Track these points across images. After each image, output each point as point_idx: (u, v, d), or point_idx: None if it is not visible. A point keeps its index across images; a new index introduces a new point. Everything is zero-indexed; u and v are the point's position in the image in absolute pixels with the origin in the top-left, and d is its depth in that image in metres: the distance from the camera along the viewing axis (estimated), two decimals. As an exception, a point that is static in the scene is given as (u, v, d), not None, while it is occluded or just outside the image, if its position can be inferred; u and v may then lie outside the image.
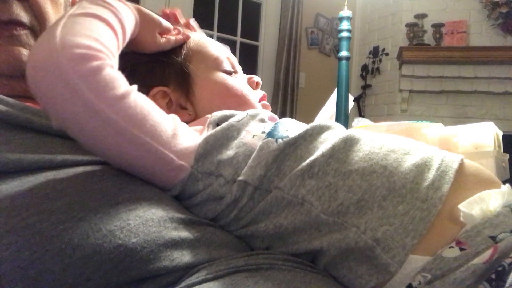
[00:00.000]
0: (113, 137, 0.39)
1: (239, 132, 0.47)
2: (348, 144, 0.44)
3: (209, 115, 0.49)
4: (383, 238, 0.38)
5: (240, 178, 0.43)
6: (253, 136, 0.46)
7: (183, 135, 0.44)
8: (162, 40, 0.56)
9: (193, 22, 0.66)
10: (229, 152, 0.45)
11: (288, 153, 0.44)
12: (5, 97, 0.44)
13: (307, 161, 0.43)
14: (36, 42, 0.40)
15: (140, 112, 0.40)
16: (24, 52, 0.50)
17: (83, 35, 0.39)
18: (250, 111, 0.51)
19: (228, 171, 0.43)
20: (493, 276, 0.34)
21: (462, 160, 0.43)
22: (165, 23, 0.56)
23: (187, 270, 0.38)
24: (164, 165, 0.42)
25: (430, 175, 0.41)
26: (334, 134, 0.46)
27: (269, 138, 0.45)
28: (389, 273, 0.38)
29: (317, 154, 0.43)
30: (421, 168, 0.41)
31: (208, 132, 0.46)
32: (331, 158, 0.43)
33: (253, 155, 0.44)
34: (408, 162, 0.42)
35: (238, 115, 0.49)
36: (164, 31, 0.56)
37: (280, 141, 0.44)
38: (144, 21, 0.52)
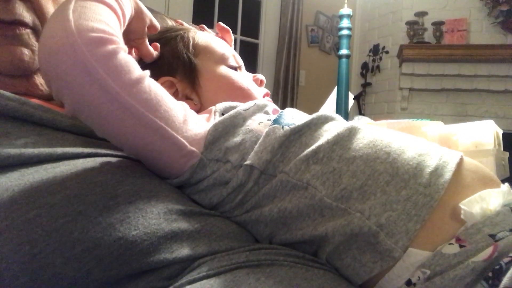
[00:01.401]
0: (130, 121, 0.40)
1: (245, 120, 0.48)
2: (352, 132, 0.45)
3: (213, 107, 0.50)
4: (387, 224, 0.38)
5: (247, 162, 0.43)
6: (259, 123, 0.47)
7: (193, 122, 0.44)
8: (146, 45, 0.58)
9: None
10: (236, 139, 0.45)
11: (293, 139, 0.45)
12: (5, 92, 0.44)
13: (312, 147, 0.43)
14: (46, 26, 0.40)
15: (154, 97, 0.41)
16: (26, 51, 0.51)
17: (95, 20, 0.40)
18: (258, 101, 0.52)
19: (235, 157, 0.44)
20: (490, 274, 0.34)
21: (461, 156, 0.43)
22: (155, 20, 0.58)
23: (188, 262, 0.38)
24: (176, 151, 0.42)
25: (433, 162, 0.41)
26: (338, 124, 0.47)
27: (276, 125, 0.46)
28: (392, 259, 0.38)
29: (322, 141, 0.44)
30: (424, 156, 0.42)
31: (215, 119, 0.47)
32: (335, 144, 0.43)
33: (260, 141, 0.44)
34: (411, 151, 0.43)
35: (246, 104, 0.50)
36: (152, 27, 0.58)
37: (286, 127, 0.45)
38: (138, 12, 0.53)
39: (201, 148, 0.43)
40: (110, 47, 0.39)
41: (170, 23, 0.67)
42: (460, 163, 0.42)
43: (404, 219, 0.38)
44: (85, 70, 0.37)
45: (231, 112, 0.47)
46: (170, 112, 0.42)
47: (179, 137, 0.42)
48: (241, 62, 0.66)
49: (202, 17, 3.01)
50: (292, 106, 3.31)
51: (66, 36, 0.38)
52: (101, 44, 0.39)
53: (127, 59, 0.40)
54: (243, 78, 0.63)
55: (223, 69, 0.62)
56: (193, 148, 0.43)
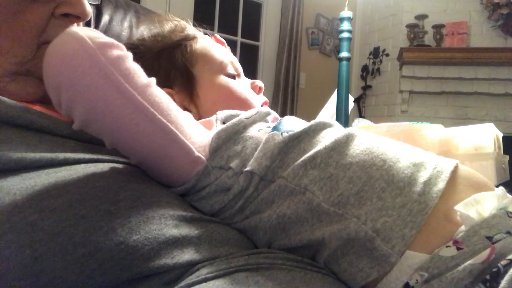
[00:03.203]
0: (144, 124, 0.40)
1: (246, 128, 0.48)
2: (349, 139, 0.45)
3: (214, 115, 0.51)
4: (383, 229, 0.39)
5: (247, 168, 0.44)
6: (259, 130, 0.48)
7: (197, 129, 0.45)
8: None
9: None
10: (237, 147, 0.46)
11: (292, 146, 0.45)
12: (6, 99, 0.44)
13: (310, 152, 0.44)
14: (54, 42, 0.41)
15: (164, 101, 0.42)
16: None
17: (101, 35, 0.41)
18: (260, 109, 0.52)
19: (236, 163, 0.44)
20: (488, 277, 0.34)
21: (456, 164, 0.44)
22: None
23: (188, 267, 0.38)
24: (184, 157, 0.43)
25: (427, 173, 0.42)
26: (336, 131, 0.48)
27: (275, 131, 0.46)
28: (389, 264, 0.38)
29: (319, 146, 0.44)
30: (418, 166, 0.43)
31: (217, 127, 0.47)
32: (333, 150, 0.44)
33: (259, 147, 0.45)
34: (406, 160, 0.43)
35: (248, 112, 0.51)
36: None
37: (285, 134, 0.45)
38: None
39: (207, 155, 0.44)
40: (120, 52, 0.40)
41: (167, 27, 0.65)
42: (454, 171, 0.42)
43: (400, 224, 0.38)
44: (101, 72, 0.38)
45: (234, 120, 0.48)
46: (178, 117, 0.43)
47: (188, 143, 0.42)
48: (240, 69, 0.66)
49: (202, 19, 3.00)
50: (292, 108, 3.31)
51: (78, 43, 0.39)
52: (113, 48, 0.40)
53: (135, 64, 0.42)
54: (242, 87, 0.63)
55: (221, 79, 0.61)
56: (200, 155, 0.43)
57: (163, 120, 0.41)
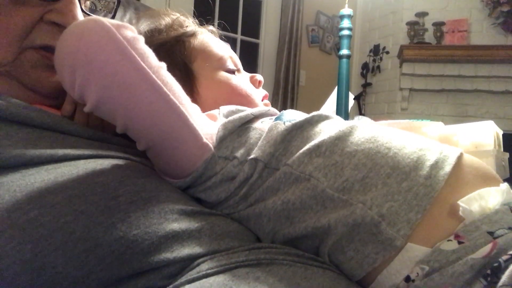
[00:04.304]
0: (158, 103, 0.41)
1: (251, 121, 0.49)
2: (353, 129, 0.46)
3: (217, 109, 0.51)
4: (388, 214, 0.39)
5: (251, 156, 0.44)
6: (262, 121, 0.49)
7: (204, 119, 0.46)
8: None
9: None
10: (242, 138, 0.47)
11: (295, 134, 0.46)
12: (7, 96, 0.44)
13: (315, 141, 0.44)
14: (71, 24, 0.42)
15: (175, 84, 0.43)
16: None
17: None
18: (271, 109, 0.54)
19: (241, 153, 0.45)
20: (488, 271, 0.34)
21: (462, 152, 0.44)
22: None
23: (188, 261, 0.38)
24: (194, 141, 0.43)
25: (434, 156, 0.42)
26: (337, 122, 0.49)
27: (277, 121, 0.47)
28: (394, 248, 0.38)
29: (323, 136, 0.45)
30: (424, 151, 0.43)
31: (221, 120, 0.48)
32: (337, 139, 0.44)
33: (263, 136, 0.46)
34: (412, 146, 0.43)
35: (256, 109, 0.52)
36: None
37: (288, 123, 0.47)
38: None
39: (214, 144, 0.45)
40: (135, 34, 0.42)
41: (165, 22, 0.64)
42: (460, 158, 0.43)
43: (406, 209, 0.39)
44: (119, 49, 0.39)
45: (241, 114, 0.49)
46: (188, 101, 0.44)
47: (197, 128, 0.43)
48: (239, 64, 0.66)
49: (202, 17, 3.00)
50: (292, 106, 3.31)
51: (95, 22, 0.40)
52: (128, 29, 0.41)
53: (147, 47, 0.43)
54: (242, 83, 0.63)
55: (221, 75, 0.61)
56: (207, 142, 0.44)
57: (175, 101, 0.42)
